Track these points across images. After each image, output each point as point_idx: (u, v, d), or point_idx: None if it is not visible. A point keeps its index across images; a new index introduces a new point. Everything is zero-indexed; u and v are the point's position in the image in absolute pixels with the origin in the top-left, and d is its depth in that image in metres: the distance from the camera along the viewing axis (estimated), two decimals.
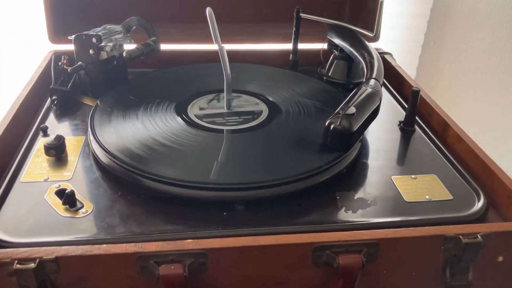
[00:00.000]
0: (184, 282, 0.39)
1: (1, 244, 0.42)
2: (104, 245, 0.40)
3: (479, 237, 0.43)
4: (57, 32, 0.78)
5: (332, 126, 0.52)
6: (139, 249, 0.39)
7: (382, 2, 0.68)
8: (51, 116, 0.64)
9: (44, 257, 0.38)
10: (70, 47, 0.68)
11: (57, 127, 0.62)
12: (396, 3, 1.04)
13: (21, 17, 0.96)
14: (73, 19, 0.84)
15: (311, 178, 0.49)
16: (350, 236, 0.42)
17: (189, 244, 0.40)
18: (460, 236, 0.42)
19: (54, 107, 0.66)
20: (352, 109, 0.52)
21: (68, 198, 0.46)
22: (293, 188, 0.49)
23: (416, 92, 0.61)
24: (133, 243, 0.40)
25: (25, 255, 0.38)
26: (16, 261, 0.38)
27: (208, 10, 0.55)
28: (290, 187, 0.49)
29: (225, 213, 0.47)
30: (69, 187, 0.49)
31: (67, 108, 0.66)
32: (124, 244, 0.40)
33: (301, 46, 0.81)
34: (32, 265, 0.38)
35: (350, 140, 0.52)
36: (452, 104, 1.11)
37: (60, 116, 0.64)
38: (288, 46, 0.81)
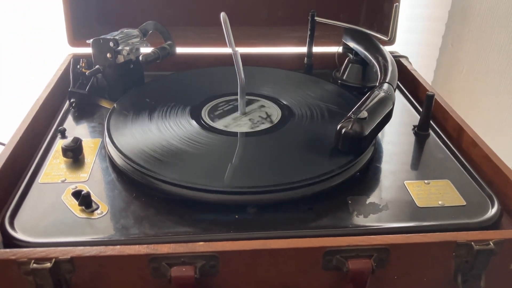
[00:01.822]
0: (195, 284, 0.40)
1: (19, 243, 0.43)
2: (118, 246, 0.41)
3: (491, 244, 0.42)
4: (76, 35, 0.79)
5: (343, 130, 0.52)
6: (152, 251, 0.40)
7: (397, 6, 0.67)
8: (69, 118, 0.66)
9: (60, 257, 0.39)
10: (86, 50, 0.69)
11: (75, 129, 0.63)
12: (413, 6, 1.04)
13: (21, 17, 0.97)
14: (92, 23, 0.86)
15: (323, 182, 0.50)
16: (361, 241, 0.42)
17: (201, 247, 0.41)
18: (472, 243, 0.42)
19: (72, 109, 0.67)
20: (364, 113, 0.52)
21: (84, 200, 0.47)
22: (305, 192, 0.49)
23: (431, 97, 0.61)
24: (145, 245, 0.41)
25: (41, 255, 0.40)
26: (33, 261, 0.39)
27: (222, 15, 0.55)
28: (302, 191, 0.49)
29: (237, 216, 0.47)
30: (85, 188, 0.50)
31: (85, 111, 0.67)
32: (137, 246, 0.41)
33: (316, 49, 0.81)
34: (48, 264, 0.39)
35: (362, 144, 0.52)
36: (470, 107, 1.10)
37: (78, 119, 0.66)
38: (303, 49, 0.82)
